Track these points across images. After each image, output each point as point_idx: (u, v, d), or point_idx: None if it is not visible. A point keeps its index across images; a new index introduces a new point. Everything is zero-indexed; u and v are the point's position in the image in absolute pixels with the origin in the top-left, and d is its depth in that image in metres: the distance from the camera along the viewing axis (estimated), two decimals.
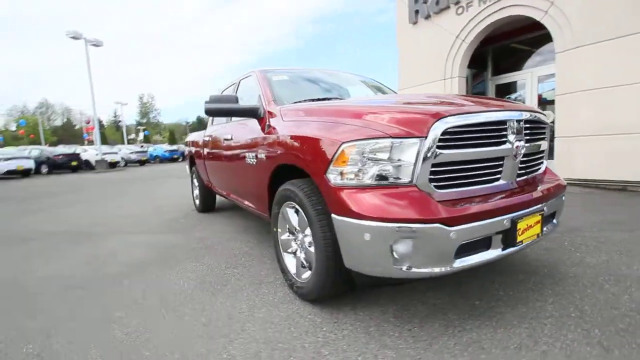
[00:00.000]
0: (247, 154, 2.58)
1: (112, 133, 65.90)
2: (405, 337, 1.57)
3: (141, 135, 56.57)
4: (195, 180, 5.06)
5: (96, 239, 3.69)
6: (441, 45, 6.89)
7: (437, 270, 1.43)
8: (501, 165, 1.66)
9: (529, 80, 6.88)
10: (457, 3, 6.46)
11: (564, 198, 2.04)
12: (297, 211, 1.99)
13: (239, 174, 2.86)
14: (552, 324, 1.60)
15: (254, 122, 2.60)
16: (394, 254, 1.42)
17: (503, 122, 1.62)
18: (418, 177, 1.45)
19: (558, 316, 1.66)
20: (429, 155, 1.44)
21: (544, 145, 1.98)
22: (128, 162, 22.37)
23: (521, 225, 1.60)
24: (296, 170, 2.05)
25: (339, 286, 1.77)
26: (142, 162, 23.69)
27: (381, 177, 1.48)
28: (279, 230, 2.19)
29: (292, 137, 1.89)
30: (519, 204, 1.60)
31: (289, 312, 1.85)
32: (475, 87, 7.94)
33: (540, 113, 1.92)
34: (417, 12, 7.23)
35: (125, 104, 43.18)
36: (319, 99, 2.53)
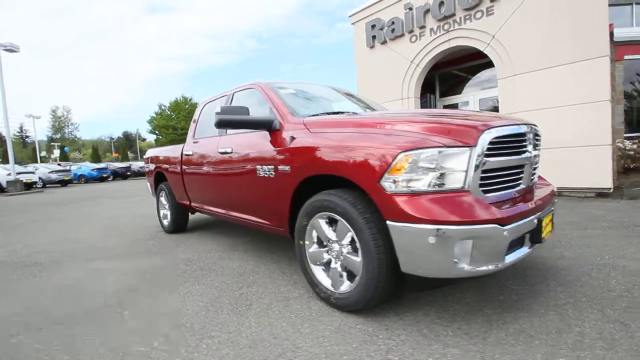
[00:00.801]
0: (258, 167, 2.50)
1: (18, 150, 56.85)
2: (460, 334, 1.66)
3: (56, 153, 49.83)
4: (162, 199, 4.67)
5: (51, 269, 3.17)
6: (398, 68, 7.51)
7: (491, 267, 1.56)
8: (522, 172, 1.89)
9: (472, 101, 7.84)
10: (411, 32, 7.15)
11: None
12: (331, 222, 2.00)
13: (244, 189, 2.74)
14: (572, 309, 1.83)
15: (262, 135, 2.55)
16: (456, 254, 1.51)
17: (524, 134, 1.86)
18: (470, 183, 1.59)
19: (573, 302, 1.91)
20: (478, 162, 1.60)
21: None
22: (47, 183, 19.46)
23: (543, 224, 1.83)
24: (326, 181, 2.07)
25: (387, 292, 1.80)
26: (64, 183, 20.84)
27: (437, 184, 1.58)
28: (307, 242, 2.16)
29: (332, 148, 1.91)
30: (541, 205, 1.84)
31: (336, 325, 1.82)
32: (422, 107, 8.75)
33: (537, 126, 2.24)
34: (374, 37, 7.81)
35: (38, 117, 37.64)
36: (334, 113, 2.59)
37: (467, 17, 6.21)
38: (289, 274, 2.63)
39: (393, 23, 7.32)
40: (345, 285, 1.94)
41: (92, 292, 2.52)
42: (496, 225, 1.52)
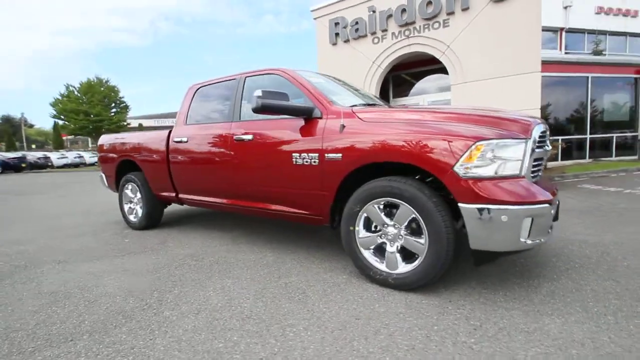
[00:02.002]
0: (295, 155, 2.45)
1: None
2: (510, 299, 1.94)
3: None
4: (128, 192, 4.14)
5: (25, 272, 2.62)
6: (360, 67, 7.86)
7: (543, 239, 1.87)
8: (541, 164, 2.27)
9: (422, 103, 8.65)
10: (373, 33, 7.55)
11: None
12: (389, 206, 2.11)
13: (272, 177, 2.65)
14: (574, 274, 2.28)
15: (294, 122, 2.51)
16: (522, 230, 1.78)
17: (546, 131, 2.24)
18: (525, 170, 1.87)
19: (571, 268, 2.37)
20: (531, 153, 1.89)
21: None
22: None
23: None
24: (369, 170, 2.18)
25: (446, 269, 1.99)
26: None
27: (501, 170, 1.82)
28: (357, 228, 2.23)
29: (399, 137, 2.00)
30: (555, 192, 2.24)
31: (404, 303, 1.94)
32: None
33: None
34: (337, 34, 8.02)
35: None
36: (368, 104, 2.69)
37: (426, 26, 6.84)
38: (319, 262, 2.65)
39: (357, 23, 7.63)
40: (403, 266, 2.08)
41: (109, 295, 2.19)
42: (547, 205, 1.83)
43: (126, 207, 4.25)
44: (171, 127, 3.67)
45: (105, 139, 4.53)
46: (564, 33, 14.17)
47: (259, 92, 2.31)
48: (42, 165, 24.05)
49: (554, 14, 13.41)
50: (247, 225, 3.98)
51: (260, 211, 2.87)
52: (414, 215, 1.99)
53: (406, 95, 9.24)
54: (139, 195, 4.05)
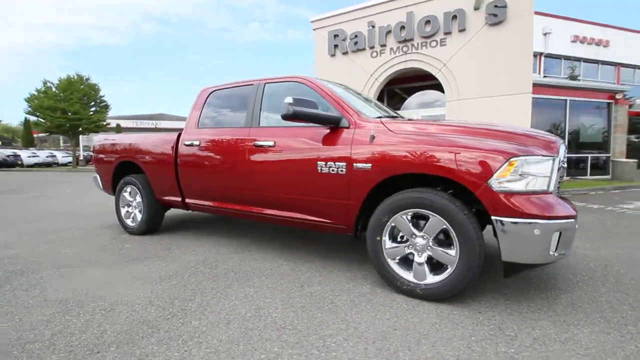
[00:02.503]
0: (321, 163, 2.45)
1: None
2: (535, 309, 1.99)
3: None
4: (126, 195, 3.98)
5: (23, 278, 2.45)
6: (358, 79, 8.01)
7: (567, 252, 1.95)
8: (561, 181, 2.37)
9: (415, 117, 8.87)
10: (372, 47, 7.74)
11: None
12: (416, 217, 2.14)
13: (294, 185, 2.63)
14: (586, 286, 2.38)
15: (318, 131, 2.53)
16: (551, 243, 1.85)
17: (566, 149, 2.35)
18: (553, 186, 1.96)
19: (581, 281, 2.48)
20: (557, 169, 1.98)
21: None
22: None
23: None
24: (403, 181, 2.22)
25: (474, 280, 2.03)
26: None
27: (532, 185, 1.90)
28: (384, 239, 2.24)
29: (433, 149, 2.05)
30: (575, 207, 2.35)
31: (434, 313, 1.95)
32: None
33: None
34: (336, 46, 8.16)
35: None
36: (391, 116, 2.73)
37: (424, 43, 7.09)
38: (338, 272, 2.64)
39: (356, 36, 7.80)
40: (431, 277, 2.10)
41: (126, 304, 2.08)
42: (573, 220, 1.92)
43: (123, 210, 4.07)
44: (180, 129, 3.59)
45: (102, 139, 4.36)
46: (542, 58, 15.08)
47: (290, 99, 2.31)
48: (12, 164, 22.86)
49: (535, 40, 14.29)
50: (253, 232, 3.91)
51: (277, 218, 2.83)
52: (444, 227, 2.03)
53: (398, 108, 9.46)
54: (138, 198, 3.91)
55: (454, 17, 6.56)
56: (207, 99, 3.44)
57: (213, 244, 3.44)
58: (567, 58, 15.90)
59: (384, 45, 7.56)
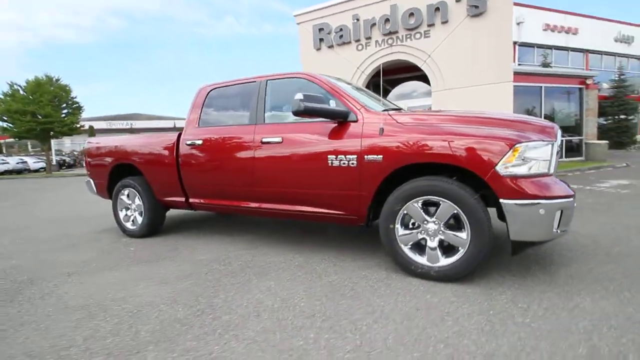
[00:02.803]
0: (331, 157, 2.52)
1: None
2: (540, 282, 2.16)
3: None
4: (123, 198, 3.92)
5: (35, 287, 2.42)
6: (344, 72, 8.05)
7: (566, 229, 2.12)
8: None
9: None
10: (357, 41, 7.81)
11: None
12: (426, 204, 2.25)
13: (305, 179, 2.69)
14: (580, 260, 2.59)
15: (325, 125, 2.59)
16: (554, 222, 2.01)
17: (561, 134, 2.52)
18: (552, 169, 2.11)
19: (575, 256, 2.68)
20: (555, 153, 2.14)
21: None
22: None
23: None
24: (410, 170, 2.33)
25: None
26: None
27: (535, 169, 2.04)
28: (397, 226, 2.35)
29: (441, 139, 2.15)
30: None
31: (449, 292, 2.08)
32: None
33: None
34: (321, 40, 8.17)
35: None
36: (396, 109, 2.82)
37: (408, 35, 7.23)
38: (350, 261, 2.73)
39: (341, 30, 7.84)
40: (444, 260, 2.23)
41: (151, 304, 2.09)
42: (572, 199, 2.08)
43: (121, 214, 4.01)
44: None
45: (96, 142, 4.24)
46: (517, 47, 15.63)
47: (300, 96, 2.36)
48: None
49: None
50: (254, 229, 3.94)
51: (287, 213, 2.89)
52: (455, 212, 2.15)
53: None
54: (137, 201, 3.86)
55: (437, 9, 6.72)
56: (206, 97, 3.42)
57: (218, 242, 3.46)
58: (540, 46, 16.56)
59: (369, 38, 7.65)
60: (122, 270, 2.76)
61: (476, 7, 6.40)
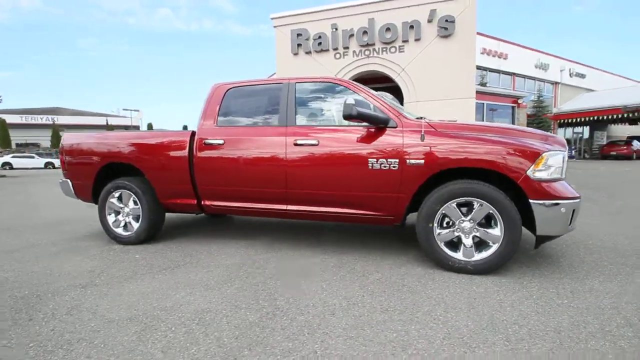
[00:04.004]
0: (372, 160, 2.65)
1: None
2: (564, 274, 2.54)
3: None
4: (113, 201, 3.57)
5: (53, 302, 2.13)
6: None
7: (574, 227, 2.53)
8: None
9: None
10: (335, 49, 8.07)
11: None
12: (460, 205, 2.51)
13: (342, 181, 2.76)
14: (594, 262, 3.07)
15: (363, 130, 2.73)
16: (569, 219, 2.40)
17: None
18: (563, 174, 2.51)
19: (592, 258, 3.17)
20: (565, 161, 2.55)
21: None
22: None
23: None
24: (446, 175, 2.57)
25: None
26: None
27: (554, 174, 2.42)
28: (435, 225, 2.56)
29: (479, 146, 2.42)
30: None
31: (489, 283, 2.34)
32: None
33: None
34: (299, 45, 8.26)
35: None
36: (420, 117, 3.05)
37: (384, 49, 7.69)
38: (383, 259, 2.86)
39: (320, 37, 8.03)
40: (478, 254, 2.50)
41: (211, 311, 1.99)
42: (579, 199, 2.50)
43: (110, 218, 3.62)
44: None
45: (77, 138, 3.78)
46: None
47: (351, 100, 2.46)
48: None
49: None
50: (269, 231, 3.88)
51: (318, 214, 2.93)
52: (490, 212, 2.43)
53: None
54: (132, 204, 3.54)
55: (411, 27, 7.29)
56: (224, 96, 3.30)
57: (234, 246, 3.34)
58: (479, 67, 18.69)
59: (347, 48, 7.96)
60: (146, 278, 2.53)
61: (445, 29, 7.10)
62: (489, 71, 19.76)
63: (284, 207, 3.02)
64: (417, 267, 2.68)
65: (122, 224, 3.60)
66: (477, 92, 12.74)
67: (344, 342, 1.64)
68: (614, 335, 1.68)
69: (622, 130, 26.06)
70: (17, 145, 39.96)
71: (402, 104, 8.10)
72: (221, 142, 3.12)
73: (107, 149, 3.58)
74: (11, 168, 26.72)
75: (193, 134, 3.28)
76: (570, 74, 25.28)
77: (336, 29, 7.91)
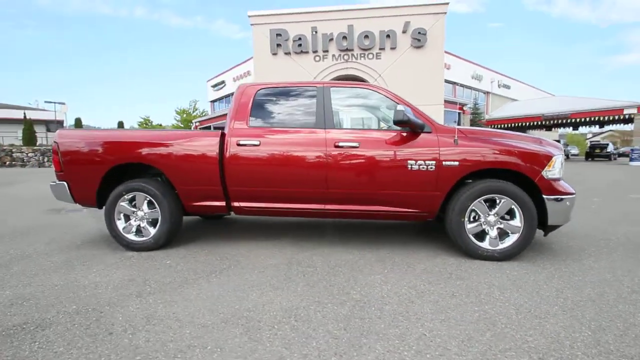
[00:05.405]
0: (411, 162, 2.91)
1: None
2: (572, 255, 3.06)
3: None
4: (125, 205, 3.33)
5: (112, 315, 2.00)
6: (301, 80, 8.34)
7: (570, 219, 3.09)
8: None
9: None
10: (315, 52, 8.24)
11: None
12: (490, 200, 2.90)
13: (382, 181, 2.97)
14: (583, 248, 3.69)
15: (399, 134, 2.99)
16: (570, 211, 2.93)
17: None
18: (561, 174, 3.05)
19: (582, 244, 3.79)
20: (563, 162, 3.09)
21: None
22: None
23: None
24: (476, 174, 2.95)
25: None
26: None
27: (558, 174, 2.93)
28: (465, 219, 2.92)
29: (504, 150, 2.82)
30: None
31: (517, 267, 2.75)
32: None
33: None
34: (278, 45, 8.26)
35: None
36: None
37: (362, 54, 8.08)
38: (413, 252, 3.14)
39: (300, 39, 8.14)
40: (502, 244, 2.91)
41: (301, 307, 2.05)
42: (575, 195, 3.06)
43: (120, 224, 3.36)
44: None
45: (79, 135, 3.41)
46: None
47: (402, 107, 2.69)
48: None
49: None
50: (279, 231, 3.91)
51: (357, 213, 3.11)
52: (512, 207, 2.86)
53: None
54: (146, 208, 3.33)
55: (388, 36, 7.78)
56: (254, 97, 3.29)
57: (263, 247, 3.35)
58: None
59: (327, 51, 8.19)
60: (202, 283, 2.47)
61: (418, 40, 7.73)
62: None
63: (322, 206, 3.13)
64: (449, 257, 3.01)
65: (134, 229, 3.36)
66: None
67: (441, 324, 1.86)
68: (630, 300, 2.16)
69: (538, 135, 30.44)
70: None
71: None
72: (257, 142, 3.12)
73: (121, 149, 3.30)
74: None
75: (223, 134, 3.21)
76: (498, 85, 28.81)
77: (316, 32, 8.09)
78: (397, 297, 2.21)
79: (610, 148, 25.34)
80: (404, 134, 3.00)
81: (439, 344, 1.69)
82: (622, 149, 29.16)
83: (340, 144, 3.02)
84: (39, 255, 3.20)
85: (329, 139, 3.05)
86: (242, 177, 3.17)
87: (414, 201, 3.01)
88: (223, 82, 32.42)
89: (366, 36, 8.02)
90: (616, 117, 21.42)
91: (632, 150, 20.13)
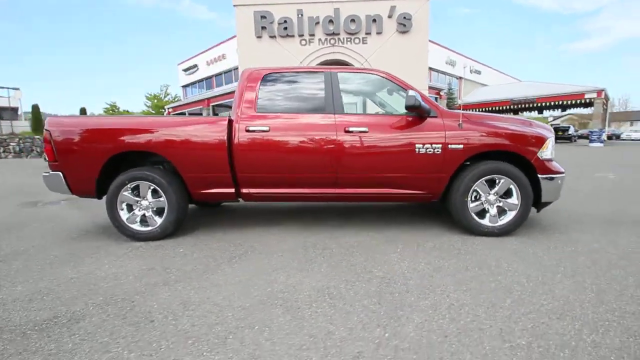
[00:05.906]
0: (418, 145, 3.03)
1: None
2: (571, 232, 3.35)
3: None
4: (127, 194, 3.24)
5: (146, 305, 2.01)
6: (286, 64, 8.19)
7: (560, 195, 3.37)
8: None
9: None
10: (301, 36, 8.10)
11: None
12: (489, 180, 3.10)
13: (391, 165, 3.08)
14: (564, 223, 4.01)
15: (406, 118, 3.10)
16: (560, 188, 3.19)
17: None
18: (553, 154, 3.30)
19: (567, 222, 4.11)
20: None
21: None
22: None
23: None
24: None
25: None
26: None
27: (550, 155, 3.17)
28: (468, 199, 3.11)
29: (503, 133, 3.00)
30: None
31: (518, 241, 2.99)
32: None
33: None
34: (263, 28, 8.04)
35: None
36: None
37: (348, 39, 8.04)
38: (419, 232, 3.31)
39: (285, 22, 7.94)
40: (501, 220, 3.14)
41: (356, 288, 2.14)
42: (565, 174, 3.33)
43: (123, 214, 3.26)
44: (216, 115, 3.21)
45: (72, 123, 3.23)
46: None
47: (413, 92, 2.78)
48: None
49: None
50: (281, 217, 3.95)
51: (367, 196, 3.21)
52: (510, 186, 3.07)
53: None
54: (151, 197, 3.26)
55: (374, 20, 7.78)
56: (260, 83, 3.25)
57: (272, 232, 3.39)
58: None
59: (313, 35, 8.07)
60: (225, 268, 2.49)
61: (404, 25, 7.79)
62: None
63: (332, 190, 3.20)
64: (453, 235, 3.20)
65: (138, 218, 3.28)
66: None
67: (464, 294, 2.03)
68: (620, 265, 2.43)
69: None
70: None
71: None
72: (266, 128, 3.11)
73: (123, 136, 3.17)
74: None
75: (230, 120, 3.17)
76: (470, 71, 29.74)
77: (301, 15, 7.93)
78: (417, 273, 2.36)
79: (572, 131, 27.16)
80: (410, 119, 3.10)
81: (468, 311, 1.85)
82: (580, 132, 31.29)
83: (350, 128, 3.08)
84: (37, 249, 3.06)
85: (338, 123, 3.10)
86: (251, 163, 3.16)
87: (421, 183, 3.15)
88: (195, 65, 31.05)
89: (352, 20, 7.97)
90: (578, 102, 22.87)
91: (591, 132, 21.69)
